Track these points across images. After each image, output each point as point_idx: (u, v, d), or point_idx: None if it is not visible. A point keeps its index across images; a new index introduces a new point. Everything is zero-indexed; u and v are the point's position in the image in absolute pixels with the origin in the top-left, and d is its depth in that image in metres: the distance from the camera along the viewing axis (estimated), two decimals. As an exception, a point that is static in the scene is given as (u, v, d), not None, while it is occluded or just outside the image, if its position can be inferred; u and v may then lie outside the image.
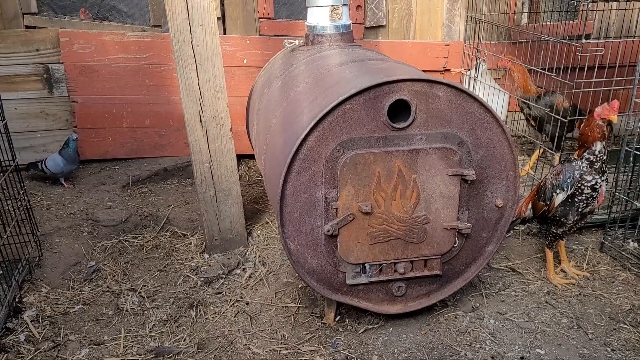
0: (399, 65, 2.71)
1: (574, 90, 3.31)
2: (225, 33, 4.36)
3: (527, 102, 3.89)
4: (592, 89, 3.42)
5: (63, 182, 4.04)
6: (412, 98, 2.25)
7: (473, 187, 2.43)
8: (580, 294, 2.87)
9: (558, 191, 2.79)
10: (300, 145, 2.22)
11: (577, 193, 2.75)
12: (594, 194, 2.75)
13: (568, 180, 2.75)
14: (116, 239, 3.47)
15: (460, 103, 2.30)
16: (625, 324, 2.65)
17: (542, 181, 2.95)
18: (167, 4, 2.85)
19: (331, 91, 2.36)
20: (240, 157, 4.39)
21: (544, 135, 4.00)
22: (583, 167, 2.72)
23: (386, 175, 2.32)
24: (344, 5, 3.15)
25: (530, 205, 3.01)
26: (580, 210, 2.80)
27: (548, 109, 3.68)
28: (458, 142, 2.35)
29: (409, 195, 2.37)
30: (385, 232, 2.41)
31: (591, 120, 2.68)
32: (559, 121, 3.50)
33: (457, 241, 2.50)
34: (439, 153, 2.33)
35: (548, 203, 2.85)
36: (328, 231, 2.34)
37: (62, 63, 4.15)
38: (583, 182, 2.73)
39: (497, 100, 4.18)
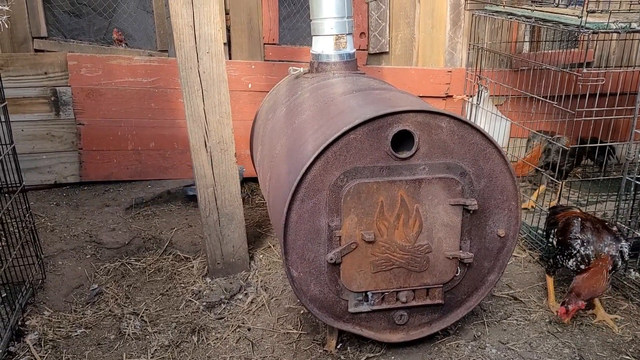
0: (402, 95, 2.74)
1: (575, 119, 3.35)
2: (230, 58, 4.43)
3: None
4: (593, 118, 3.45)
5: None
6: (415, 129, 2.28)
7: (475, 217, 2.45)
8: (582, 324, 2.87)
9: (552, 235, 2.88)
10: (305, 173, 2.24)
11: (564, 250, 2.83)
12: (576, 263, 2.79)
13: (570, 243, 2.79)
14: (119, 261, 3.48)
15: (462, 134, 2.33)
16: (627, 355, 2.64)
17: (574, 218, 2.92)
18: (175, 32, 2.90)
19: (335, 121, 2.39)
20: (243, 180, 4.42)
21: (550, 170, 4.04)
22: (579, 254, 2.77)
23: (389, 204, 2.34)
24: (349, 34, 3.21)
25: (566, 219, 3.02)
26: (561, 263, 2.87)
27: (560, 156, 3.77)
28: (460, 172, 2.37)
29: (412, 225, 2.39)
30: (388, 261, 2.42)
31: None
32: (567, 159, 3.61)
33: (459, 270, 2.51)
34: (442, 183, 2.36)
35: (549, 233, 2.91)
36: (331, 259, 2.35)
37: (69, 86, 4.20)
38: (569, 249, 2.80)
39: (499, 127, 4.22)
